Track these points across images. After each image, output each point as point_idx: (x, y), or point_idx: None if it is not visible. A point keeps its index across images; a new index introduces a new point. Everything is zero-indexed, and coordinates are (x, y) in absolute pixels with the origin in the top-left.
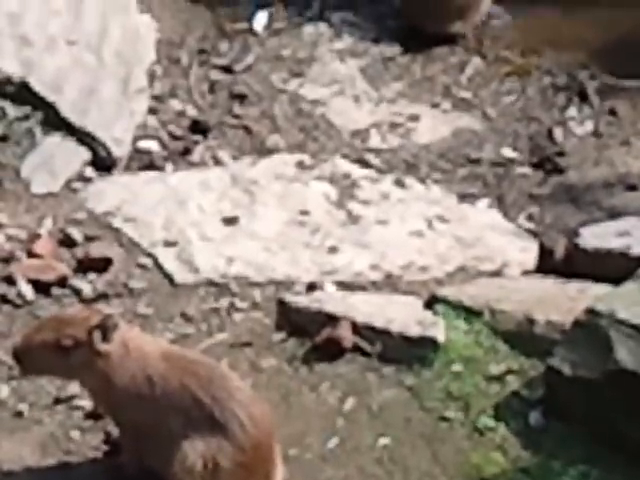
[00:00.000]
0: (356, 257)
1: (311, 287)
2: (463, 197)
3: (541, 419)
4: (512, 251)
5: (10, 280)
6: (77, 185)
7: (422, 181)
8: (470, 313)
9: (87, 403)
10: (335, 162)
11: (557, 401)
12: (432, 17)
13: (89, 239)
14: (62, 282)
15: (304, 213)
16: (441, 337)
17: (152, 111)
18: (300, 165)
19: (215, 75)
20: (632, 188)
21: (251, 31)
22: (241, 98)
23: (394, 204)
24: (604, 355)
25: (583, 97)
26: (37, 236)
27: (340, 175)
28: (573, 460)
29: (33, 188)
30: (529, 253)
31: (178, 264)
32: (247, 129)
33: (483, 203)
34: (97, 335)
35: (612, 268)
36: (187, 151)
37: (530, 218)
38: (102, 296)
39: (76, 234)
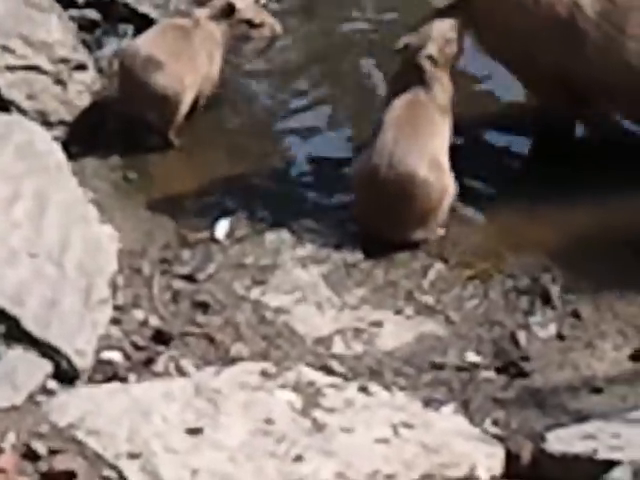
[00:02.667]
0: (322, 466)
1: None
2: (428, 403)
3: None
4: (478, 457)
5: None
6: (40, 398)
7: (387, 387)
8: None
9: None
10: (299, 370)
11: None
12: (391, 226)
13: (53, 452)
14: None
15: (269, 422)
16: None
17: (115, 321)
18: (264, 374)
19: (177, 284)
20: (597, 391)
21: (213, 239)
22: (204, 307)
23: (359, 411)
24: None
25: (546, 300)
26: (0, 450)
27: (304, 383)
28: None
29: None
30: (496, 458)
31: (142, 476)
32: (210, 338)
33: (448, 408)
34: None
35: (579, 473)
36: (150, 361)
37: (496, 423)
38: None
39: (40, 447)
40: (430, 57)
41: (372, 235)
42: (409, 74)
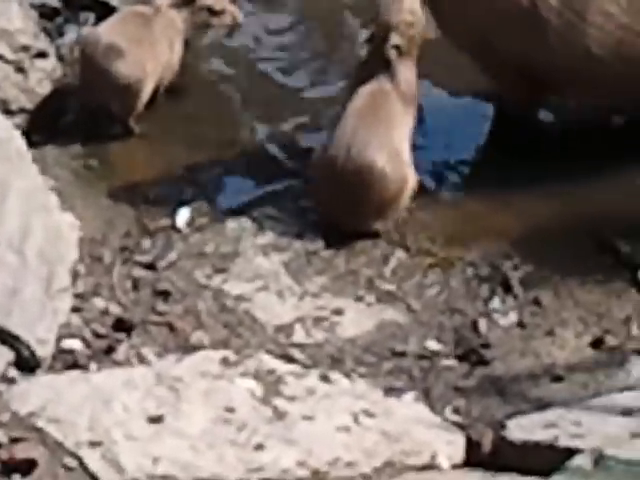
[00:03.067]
0: (282, 454)
1: None
2: (389, 391)
3: None
4: (439, 444)
5: None
6: (0, 386)
7: (347, 375)
8: None
9: None
10: (260, 358)
11: None
12: (351, 216)
13: (13, 440)
14: None
15: (230, 410)
16: None
17: (75, 310)
18: (225, 362)
19: (138, 272)
20: (558, 379)
21: (174, 228)
22: (165, 295)
23: (320, 399)
24: None
25: (507, 288)
26: None
27: (265, 371)
28: None
29: None
30: (456, 446)
31: (103, 464)
32: (171, 326)
33: (409, 396)
34: None
35: (540, 460)
36: (111, 349)
37: (456, 411)
38: None
39: (0, 436)
40: (396, 47)
41: (333, 223)
42: (375, 63)
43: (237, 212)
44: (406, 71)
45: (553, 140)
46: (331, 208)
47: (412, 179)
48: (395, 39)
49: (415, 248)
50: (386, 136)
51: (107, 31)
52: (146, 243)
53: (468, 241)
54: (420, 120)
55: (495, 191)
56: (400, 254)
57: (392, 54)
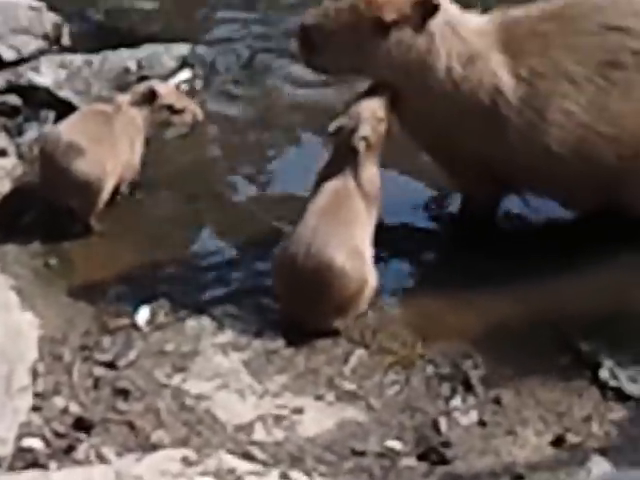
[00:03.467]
0: None
1: None
2: None
3: None
4: None
5: None
6: None
7: (308, 474)
8: None
9: None
10: (220, 457)
11: None
12: (311, 314)
13: None
14: None
15: None
16: None
17: (35, 409)
18: (185, 460)
19: (98, 371)
20: (519, 478)
21: (134, 326)
22: (125, 394)
23: None
24: None
25: (467, 386)
26: None
27: (225, 470)
28: None
29: None
30: None
31: None
32: (131, 425)
33: None
34: None
35: None
36: (71, 448)
37: None
38: None
39: None
40: (365, 138)
41: (293, 321)
42: (341, 158)
43: (197, 310)
44: (370, 168)
45: (512, 236)
46: (291, 306)
47: (372, 278)
48: (365, 130)
49: (375, 346)
50: (347, 235)
51: (67, 129)
52: (106, 341)
53: (429, 339)
54: (381, 217)
55: (456, 289)
56: (360, 352)
57: (361, 145)
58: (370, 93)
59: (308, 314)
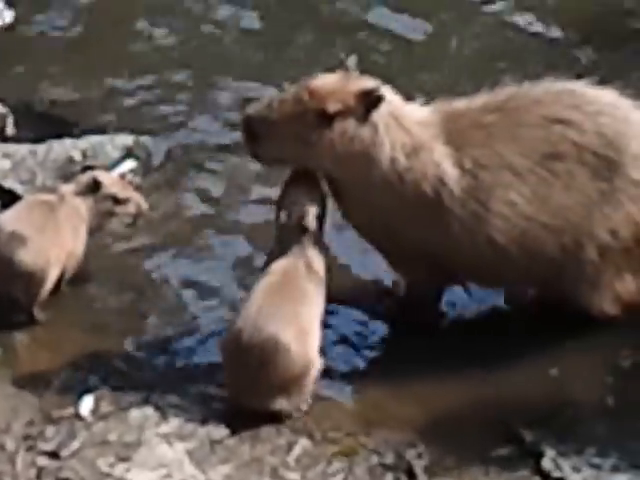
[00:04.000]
0: None
1: None
2: None
3: None
4: None
5: None
6: None
7: None
8: None
9: None
10: None
11: None
12: (256, 394)
13: None
14: None
15: None
16: None
17: None
18: None
19: (41, 461)
20: None
21: (77, 416)
22: None
23: None
24: None
25: (411, 476)
26: None
27: None
28: None
29: None
30: None
31: None
32: None
33: None
34: None
35: None
36: None
37: None
38: None
39: None
40: (318, 218)
41: (239, 406)
42: (288, 241)
43: (141, 400)
44: (318, 251)
45: (459, 326)
46: (237, 385)
47: (317, 360)
48: (316, 210)
49: (319, 436)
50: (293, 314)
51: (11, 219)
52: (50, 431)
53: (372, 429)
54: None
55: (400, 378)
56: (304, 442)
57: (314, 225)
58: (298, 177)
59: (253, 394)
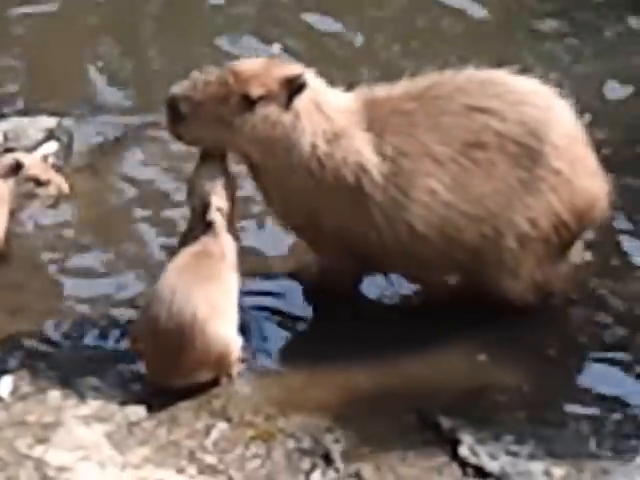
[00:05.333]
0: None
1: None
2: None
3: None
4: None
5: None
6: None
7: None
8: None
9: None
10: None
11: None
12: (174, 374)
13: None
14: None
15: None
16: None
17: None
18: None
19: None
20: None
21: None
22: None
23: None
24: None
25: (328, 461)
26: None
27: None
28: None
29: None
30: None
31: None
32: None
33: None
34: None
35: None
36: None
37: None
38: None
39: None
40: (219, 209)
41: (156, 392)
42: (199, 229)
43: (60, 382)
44: (227, 235)
45: (375, 311)
46: (156, 366)
47: (236, 340)
48: (218, 201)
49: (237, 419)
50: (207, 293)
51: None
52: None
53: (290, 413)
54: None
55: (319, 363)
56: (222, 425)
57: (217, 217)
58: (204, 162)
59: (174, 375)
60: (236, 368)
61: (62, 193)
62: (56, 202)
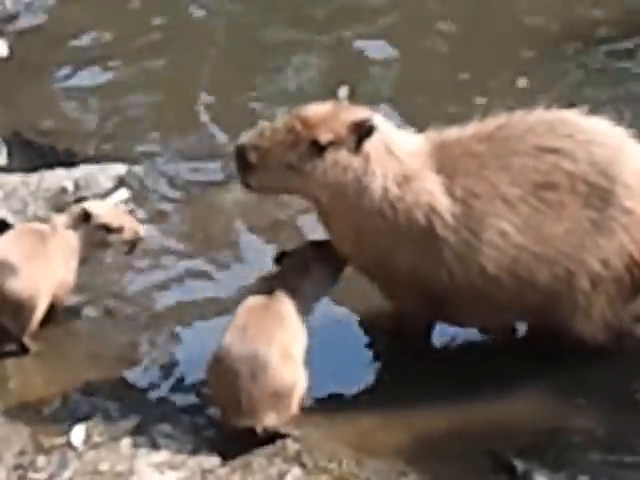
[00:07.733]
0: None
1: None
2: None
3: None
4: None
5: None
6: None
7: None
8: None
9: None
10: None
11: None
12: (241, 411)
13: None
14: None
15: None
16: None
17: None
18: None
19: None
20: None
21: (69, 445)
22: None
23: None
24: None
25: None
26: None
27: None
28: None
29: None
30: None
31: None
32: None
33: None
34: None
35: None
36: None
37: None
38: None
39: None
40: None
41: (230, 439)
42: (281, 278)
43: (132, 429)
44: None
45: (450, 355)
46: (225, 403)
47: (302, 379)
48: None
49: (311, 465)
50: (275, 335)
51: (1, 247)
52: (41, 461)
53: (363, 458)
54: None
55: (390, 406)
56: (296, 471)
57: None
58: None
59: (241, 412)
60: (297, 410)
61: (138, 237)
62: (132, 248)
